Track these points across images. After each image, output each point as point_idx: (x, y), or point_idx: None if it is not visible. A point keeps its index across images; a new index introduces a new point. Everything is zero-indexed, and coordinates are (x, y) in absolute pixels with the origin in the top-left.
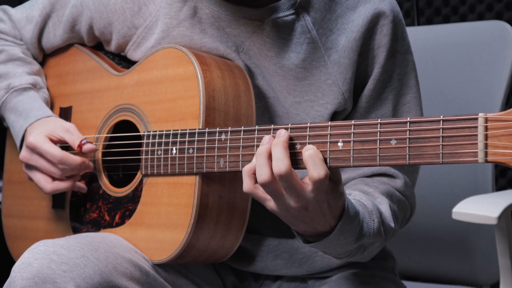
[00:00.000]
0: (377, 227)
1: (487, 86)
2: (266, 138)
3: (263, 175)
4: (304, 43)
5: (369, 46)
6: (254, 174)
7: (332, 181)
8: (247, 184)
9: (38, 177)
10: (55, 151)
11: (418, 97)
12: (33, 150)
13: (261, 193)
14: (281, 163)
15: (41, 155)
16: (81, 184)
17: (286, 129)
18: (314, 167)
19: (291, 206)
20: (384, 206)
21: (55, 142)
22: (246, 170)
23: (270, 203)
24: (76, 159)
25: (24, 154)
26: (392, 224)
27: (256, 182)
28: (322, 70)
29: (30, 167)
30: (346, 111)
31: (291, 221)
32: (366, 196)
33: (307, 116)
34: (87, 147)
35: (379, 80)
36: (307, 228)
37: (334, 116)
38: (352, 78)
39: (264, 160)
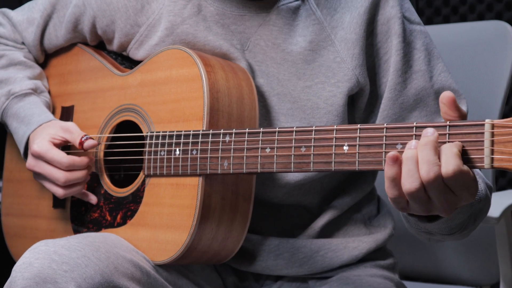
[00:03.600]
0: (484, 188)
1: (487, 86)
2: (414, 142)
3: (413, 182)
4: (310, 25)
5: (377, 22)
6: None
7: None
8: (393, 192)
9: (49, 185)
10: (62, 158)
11: (446, 66)
12: (39, 158)
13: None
14: (432, 166)
15: (47, 162)
16: (92, 196)
17: (291, 132)
18: (445, 161)
19: (442, 203)
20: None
21: (58, 144)
22: (390, 175)
23: (410, 204)
24: (83, 159)
25: (30, 161)
26: (488, 192)
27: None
28: (329, 50)
29: (38, 175)
30: (365, 92)
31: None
32: None
33: (319, 99)
34: (88, 143)
35: (403, 51)
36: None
37: (354, 102)
38: (360, 53)
39: (415, 165)
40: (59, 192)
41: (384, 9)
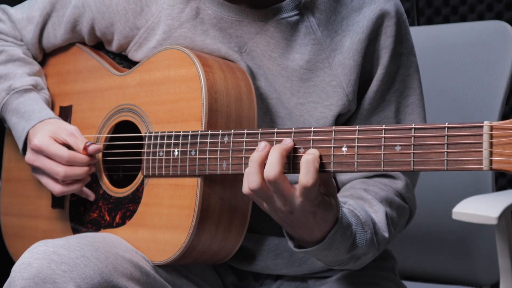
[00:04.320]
0: (370, 238)
1: (487, 86)
2: (262, 144)
3: (254, 182)
4: (309, 44)
5: (373, 48)
6: None
7: (325, 195)
8: (246, 187)
9: (46, 180)
10: (63, 152)
11: (421, 99)
12: (39, 152)
13: (257, 196)
14: (273, 168)
15: (48, 157)
16: (89, 192)
17: (290, 133)
18: (306, 172)
19: (279, 208)
20: (380, 215)
21: (59, 144)
22: (247, 172)
23: (264, 204)
24: (84, 157)
25: (29, 156)
26: (386, 234)
27: None
28: (326, 72)
29: (36, 170)
30: (350, 113)
31: (281, 223)
32: (360, 206)
33: (311, 118)
34: (92, 148)
35: (382, 82)
36: (295, 234)
37: (337, 118)
38: (356, 79)
39: (256, 167)
40: (57, 188)
41: (381, 37)
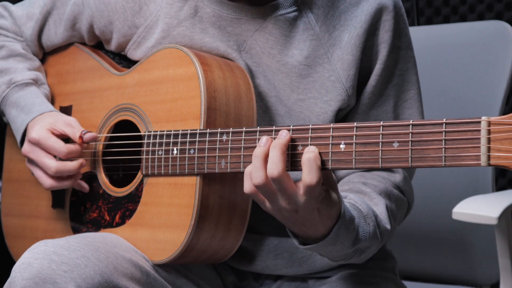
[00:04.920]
0: (373, 230)
1: (487, 86)
2: (264, 139)
3: (258, 177)
4: (307, 40)
5: (371, 42)
6: None
7: (326, 190)
8: (248, 186)
9: (39, 173)
10: (60, 146)
11: (419, 93)
12: (37, 145)
13: (260, 194)
14: (275, 166)
15: (44, 150)
16: (83, 183)
17: (288, 130)
18: (309, 171)
19: (283, 207)
20: (380, 208)
21: (56, 135)
22: (247, 171)
23: (266, 204)
24: (78, 147)
25: (26, 147)
26: (388, 226)
27: None
28: (325, 67)
29: (31, 161)
30: (349, 108)
31: (285, 222)
32: (361, 199)
33: (311, 114)
34: (87, 136)
35: (380, 76)
36: (299, 232)
37: (336, 113)
38: (355, 74)
39: (260, 162)
40: (48, 182)
41: (380, 31)
